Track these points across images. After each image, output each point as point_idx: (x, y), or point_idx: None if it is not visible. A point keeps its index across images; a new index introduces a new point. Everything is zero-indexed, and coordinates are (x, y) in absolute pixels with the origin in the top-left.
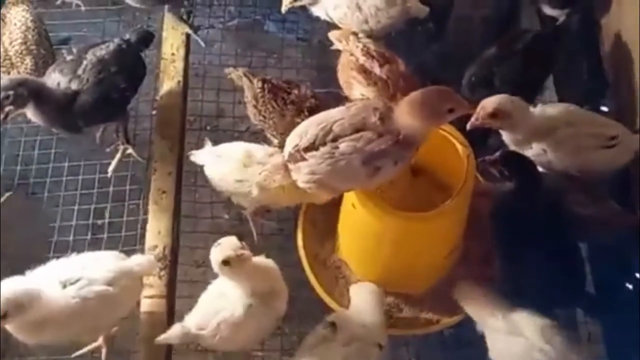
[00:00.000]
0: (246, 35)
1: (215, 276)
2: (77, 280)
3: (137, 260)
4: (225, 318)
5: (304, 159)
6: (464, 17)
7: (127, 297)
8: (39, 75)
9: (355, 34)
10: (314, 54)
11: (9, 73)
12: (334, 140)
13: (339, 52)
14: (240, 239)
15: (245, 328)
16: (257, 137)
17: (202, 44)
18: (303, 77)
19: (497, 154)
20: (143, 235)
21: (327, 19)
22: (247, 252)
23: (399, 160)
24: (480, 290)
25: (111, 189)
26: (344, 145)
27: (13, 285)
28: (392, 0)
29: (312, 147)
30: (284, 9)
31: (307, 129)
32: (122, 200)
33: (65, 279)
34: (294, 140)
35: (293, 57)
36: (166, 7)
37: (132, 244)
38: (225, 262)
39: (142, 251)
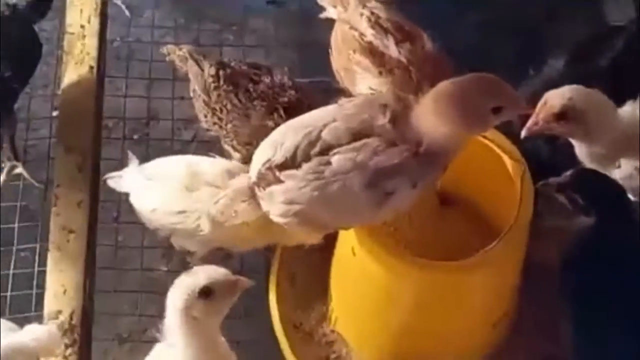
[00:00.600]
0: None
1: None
2: None
3: (32, 334)
4: None
5: (279, 181)
6: None
7: None
8: None
9: None
10: (292, 26)
11: None
12: (323, 152)
13: (331, 22)
14: None
15: None
16: (209, 149)
17: (127, 12)
18: (276, 59)
19: (567, 173)
20: (41, 296)
21: None
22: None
23: (419, 181)
24: None
25: None
26: (337, 160)
27: None
28: None
29: (291, 163)
30: None
31: (283, 136)
32: (10, 245)
33: None
34: (265, 152)
35: (261, 29)
36: None
37: (24, 309)
38: (206, 292)
39: (39, 319)
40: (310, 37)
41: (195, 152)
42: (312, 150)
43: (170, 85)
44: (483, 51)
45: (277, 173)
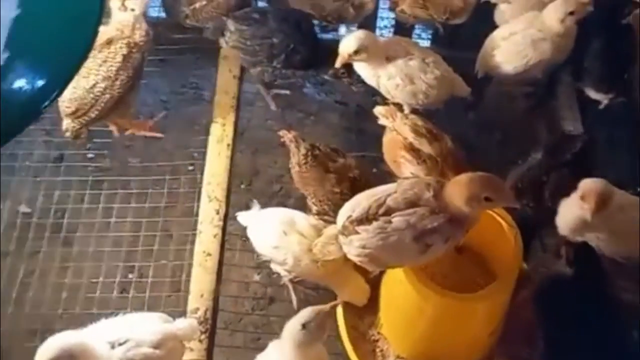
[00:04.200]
0: (285, 96)
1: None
2: (125, 342)
3: (181, 324)
4: None
5: (356, 232)
6: (502, 91)
7: None
8: None
9: (401, 109)
10: (351, 118)
11: None
12: (387, 213)
13: (374, 116)
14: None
15: None
16: (291, 197)
17: (273, 107)
18: (340, 139)
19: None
20: (185, 298)
21: (375, 86)
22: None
23: (450, 238)
24: None
25: (156, 247)
26: (397, 220)
27: (67, 338)
28: (443, 79)
29: (364, 220)
30: (338, 64)
31: (360, 201)
32: (166, 259)
33: (113, 340)
34: (346, 212)
35: (331, 119)
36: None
37: (175, 306)
38: (304, 325)
39: (184, 314)
40: (363, 125)
41: (281, 199)
42: (379, 211)
43: (270, 154)
44: (475, 139)
45: (355, 226)
